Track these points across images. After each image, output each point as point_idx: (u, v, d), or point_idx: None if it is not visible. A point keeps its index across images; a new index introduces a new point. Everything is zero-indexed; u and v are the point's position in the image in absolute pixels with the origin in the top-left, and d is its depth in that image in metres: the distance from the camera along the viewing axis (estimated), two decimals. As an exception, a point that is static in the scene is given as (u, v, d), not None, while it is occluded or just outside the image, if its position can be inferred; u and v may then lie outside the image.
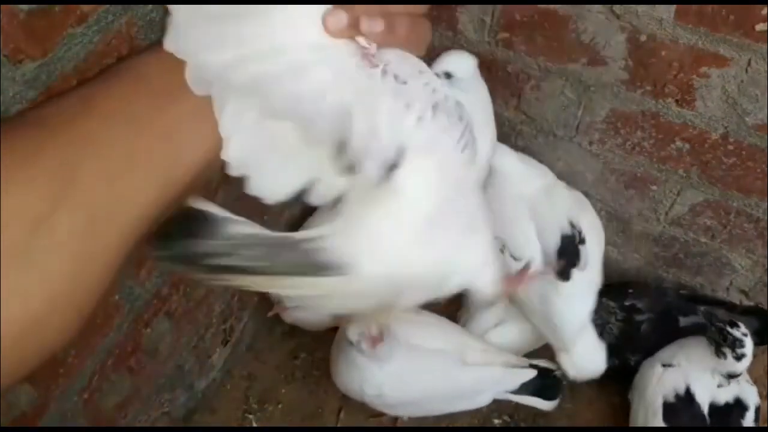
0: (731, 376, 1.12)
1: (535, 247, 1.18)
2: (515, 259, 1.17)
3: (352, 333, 1.07)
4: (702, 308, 1.27)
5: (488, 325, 1.31)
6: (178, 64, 0.42)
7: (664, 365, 1.18)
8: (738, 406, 1.14)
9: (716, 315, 1.16)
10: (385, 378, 1.12)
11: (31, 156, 0.37)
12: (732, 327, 1.10)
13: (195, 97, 0.43)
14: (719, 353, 1.11)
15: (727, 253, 1.27)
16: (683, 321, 1.27)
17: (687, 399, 1.13)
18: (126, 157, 0.41)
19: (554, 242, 1.17)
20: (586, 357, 1.19)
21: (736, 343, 1.09)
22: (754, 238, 1.22)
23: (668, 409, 1.14)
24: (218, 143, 0.45)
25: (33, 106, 0.40)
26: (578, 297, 1.17)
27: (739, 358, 1.09)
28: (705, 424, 1.12)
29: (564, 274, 1.14)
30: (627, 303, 1.28)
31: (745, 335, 1.09)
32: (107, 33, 0.74)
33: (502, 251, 1.18)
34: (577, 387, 1.33)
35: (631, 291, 1.31)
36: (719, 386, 1.13)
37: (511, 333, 1.31)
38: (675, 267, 1.35)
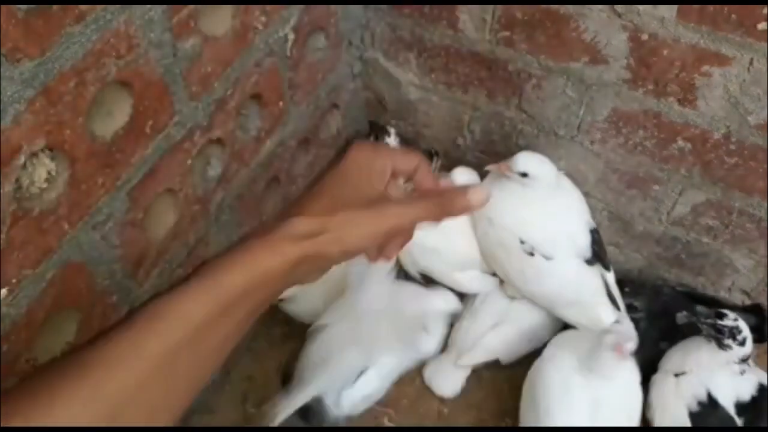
0: (744, 360, 1.13)
1: (564, 245, 1.20)
2: (546, 258, 1.19)
3: (609, 339, 1.07)
4: (695, 308, 1.28)
5: (486, 327, 1.31)
6: (214, 299, 0.46)
7: (676, 375, 1.17)
8: (765, 393, 1.14)
9: (702, 313, 1.17)
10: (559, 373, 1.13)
11: (77, 402, 0.40)
12: (722, 318, 1.12)
13: (220, 331, 0.47)
14: (723, 347, 1.11)
15: (729, 253, 1.27)
16: (680, 318, 1.27)
17: (711, 404, 1.12)
18: (159, 401, 0.44)
19: (585, 238, 1.21)
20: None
21: (734, 332, 1.11)
22: (756, 239, 1.21)
23: (695, 418, 1.12)
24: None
25: (86, 341, 0.44)
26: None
27: (742, 342, 1.11)
28: (734, 425, 1.11)
29: (607, 267, 1.22)
30: (624, 302, 1.28)
31: (736, 319, 1.11)
32: (105, 32, 0.74)
33: (532, 254, 1.19)
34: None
35: (627, 290, 1.31)
36: (742, 373, 1.13)
37: (510, 334, 1.31)
38: (677, 267, 1.35)
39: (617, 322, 1.11)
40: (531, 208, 1.19)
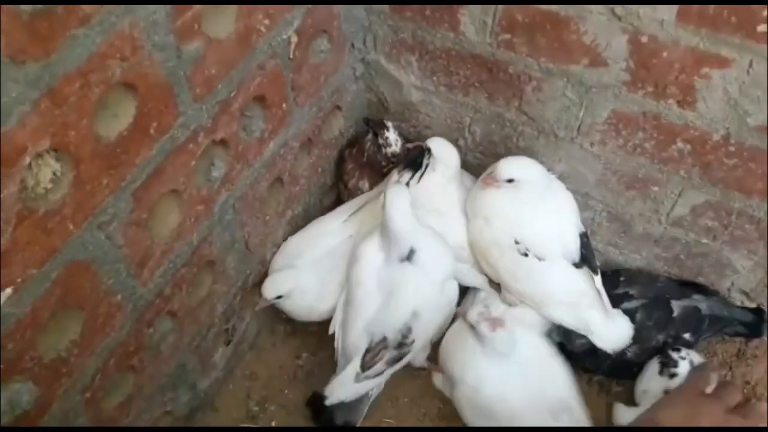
0: None
1: (555, 248, 1.21)
2: (539, 259, 1.20)
3: (472, 315, 1.11)
4: (695, 296, 1.30)
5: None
6: None
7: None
8: None
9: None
10: (490, 372, 1.15)
11: None
12: (678, 351, 1.24)
13: None
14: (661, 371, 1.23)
15: (729, 254, 1.27)
16: (675, 305, 1.29)
17: None
18: None
19: (574, 242, 1.22)
20: (610, 329, 1.25)
21: (671, 364, 1.22)
22: (756, 239, 1.22)
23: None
24: None
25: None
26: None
27: (671, 376, 1.21)
28: None
29: (595, 270, 1.23)
30: (619, 291, 1.29)
31: (684, 358, 1.22)
32: (110, 34, 0.74)
33: (526, 254, 1.20)
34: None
35: (622, 279, 1.32)
36: None
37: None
38: (676, 268, 1.35)
39: (475, 305, 1.15)
40: (525, 209, 1.20)
